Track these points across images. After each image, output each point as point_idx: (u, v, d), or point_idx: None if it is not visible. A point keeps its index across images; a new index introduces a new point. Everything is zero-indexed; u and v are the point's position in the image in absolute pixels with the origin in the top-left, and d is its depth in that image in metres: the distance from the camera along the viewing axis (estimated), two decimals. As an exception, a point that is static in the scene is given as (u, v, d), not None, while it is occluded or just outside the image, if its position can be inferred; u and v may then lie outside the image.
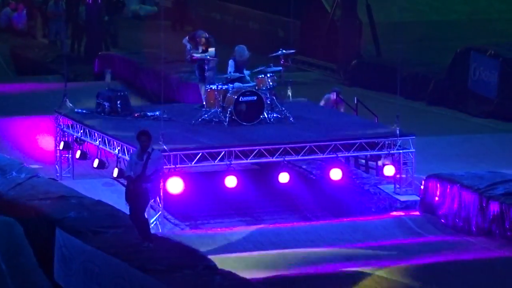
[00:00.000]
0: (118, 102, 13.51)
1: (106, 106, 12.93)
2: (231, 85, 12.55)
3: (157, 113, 13.73)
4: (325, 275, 7.77)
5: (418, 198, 11.03)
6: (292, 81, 14.90)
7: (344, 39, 20.18)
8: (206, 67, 14.16)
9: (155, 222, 10.53)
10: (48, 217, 8.81)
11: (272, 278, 8.09)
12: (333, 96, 14.42)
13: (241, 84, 12.95)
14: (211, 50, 14.48)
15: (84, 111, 13.24)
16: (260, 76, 12.48)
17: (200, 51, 14.56)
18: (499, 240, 9.35)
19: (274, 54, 13.12)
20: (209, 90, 12.50)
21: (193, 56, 14.41)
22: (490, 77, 16.84)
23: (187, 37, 15.88)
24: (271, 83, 12.59)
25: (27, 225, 8.87)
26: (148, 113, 13.34)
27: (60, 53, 20.40)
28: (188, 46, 14.82)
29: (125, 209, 8.64)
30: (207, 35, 14.84)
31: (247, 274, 7.65)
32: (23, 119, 15.53)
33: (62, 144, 13.03)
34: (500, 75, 16.53)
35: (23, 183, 9.86)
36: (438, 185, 10.40)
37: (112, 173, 11.62)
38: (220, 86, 12.32)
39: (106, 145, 11.66)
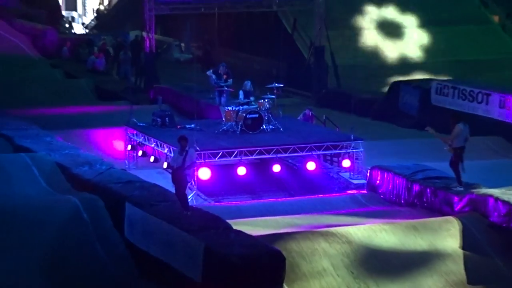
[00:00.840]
0: (166, 118, 12.71)
1: (158, 121, 12.25)
2: (241, 107, 11.80)
3: (192, 125, 13.06)
4: (304, 233, 7.23)
5: (365, 182, 10.30)
6: (282, 104, 14.26)
7: (316, 76, 19.70)
8: (224, 94, 13.81)
9: (191, 198, 9.71)
10: (120, 195, 8.30)
11: (269, 235, 7.53)
12: (308, 112, 14.07)
13: (247, 106, 12.28)
14: (230, 80, 14.14)
15: (144, 125, 12.55)
16: (261, 101, 11.93)
17: (223, 80, 14.04)
18: (419, 209, 9.02)
19: (270, 86, 12.87)
20: (226, 110, 12.20)
21: (219, 84, 13.88)
22: (413, 101, 16.55)
23: (211, 70, 15.26)
24: (267, 105, 11.84)
25: (106, 200, 8.38)
26: (186, 126, 12.80)
27: (128, 86, 19.79)
28: (213, 77, 14.14)
29: (171, 189, 8.12)
30: (227, 69, 14.49)
31: (252, 232, 7.21)
32: (103, 130, 14.57)
33: (129, 146, 12.58)
34: (419, 100, 16.32)
35: (103, 172, 9.08)
36: (379, 172, 9.72)
37: (163, 165, 11.33)
38: (234, 108, 11.72)
39: (158, 147, 11.29)
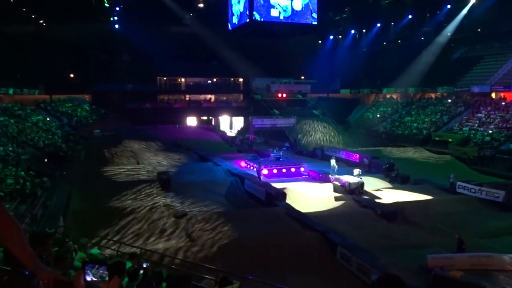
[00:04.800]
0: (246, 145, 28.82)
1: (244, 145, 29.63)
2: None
3: (277, 152, 30.91)
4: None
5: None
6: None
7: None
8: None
9: (261, 178, 25.22)
10: (243, 177, 24.21)
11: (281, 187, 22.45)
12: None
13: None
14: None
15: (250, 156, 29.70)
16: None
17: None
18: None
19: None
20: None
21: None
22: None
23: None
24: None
25: (240, 179, 23.70)
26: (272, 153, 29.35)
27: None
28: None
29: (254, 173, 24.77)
30: None
31: (277, 186, 22.82)
32: (237, 159, 33.15)
33: (243, 163, 29.98)
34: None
35: (239, 171, 27.17)
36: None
37: (259, 172, 28.94)
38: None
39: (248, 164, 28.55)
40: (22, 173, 19.35)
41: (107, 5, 41.74)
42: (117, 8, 43.89)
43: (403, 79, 45.75)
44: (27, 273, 1.93)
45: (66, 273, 3.37)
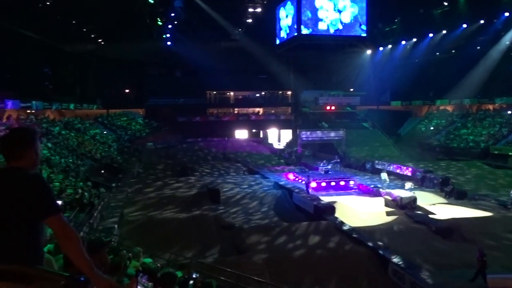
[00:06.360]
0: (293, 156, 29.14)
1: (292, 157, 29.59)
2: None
3: (325, 165, 30.58)
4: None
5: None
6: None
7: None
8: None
9: (309, 191, 25.73)
10: (291, 190, 23.70)
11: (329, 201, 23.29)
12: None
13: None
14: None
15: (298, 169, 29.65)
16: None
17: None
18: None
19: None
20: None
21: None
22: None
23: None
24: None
25: (288, 191, 23.96)
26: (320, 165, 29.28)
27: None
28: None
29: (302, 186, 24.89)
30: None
31: (325, 199, 23.06)
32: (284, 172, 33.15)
33: (291, 175, 29.87)
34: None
35: (286, 184, 26.99)
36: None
37: (307, 185, 28.63)
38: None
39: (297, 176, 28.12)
40: (81, 183, 20.24)
41: (160, 23, 43.39)
42: (170, 26, 45.51)
43: (458, 90, 43.99)
44: (82, 279, 2.01)
45: (120, 280, 3.46)
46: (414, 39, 47.50)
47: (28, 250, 2.20)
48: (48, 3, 31.52)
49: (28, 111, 33.84)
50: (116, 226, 16.33)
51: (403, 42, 48.86)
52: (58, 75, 43.54)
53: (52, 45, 39.51)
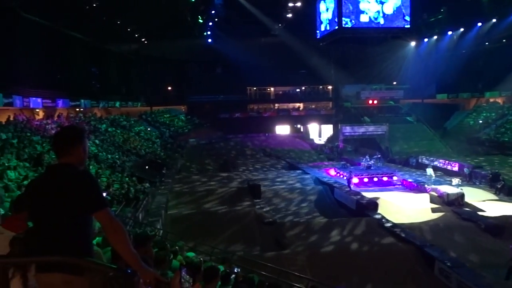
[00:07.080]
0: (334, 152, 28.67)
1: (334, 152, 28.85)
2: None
3: (367, 160, 30.00)
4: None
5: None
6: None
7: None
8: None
9: (351, 187, 24.86)
10: (332, 186, 24.51)
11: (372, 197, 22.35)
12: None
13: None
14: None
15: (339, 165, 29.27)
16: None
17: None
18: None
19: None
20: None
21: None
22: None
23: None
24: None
25: (330, 187, 23.95)
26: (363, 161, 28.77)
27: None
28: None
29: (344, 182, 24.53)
30: None
31: (367, 195, 22.55)
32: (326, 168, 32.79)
33: (333, 171, 29.09)
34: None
35: (328, 180, 26.70)
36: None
37: (349, 181, 27.82)
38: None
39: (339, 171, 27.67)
40: (127, 179, 20.82)
41: (201, 21, 43.92)
42: (210, 23, 45.98)
43: (510, 82, 41.66)
44: (129, 271, 2.09)
45: (165, 273, 3.55)
46: (461, 29, 45.40)
47: (78, 243, 2.31)
48: (94, 5, 32.55)
49: (77, 109, 35.14)
50: (160, 220, 16.68)
51: (450, 33, 46.80)
52: (104, 74, 45.02)
53: (99, 45, 40.80)
